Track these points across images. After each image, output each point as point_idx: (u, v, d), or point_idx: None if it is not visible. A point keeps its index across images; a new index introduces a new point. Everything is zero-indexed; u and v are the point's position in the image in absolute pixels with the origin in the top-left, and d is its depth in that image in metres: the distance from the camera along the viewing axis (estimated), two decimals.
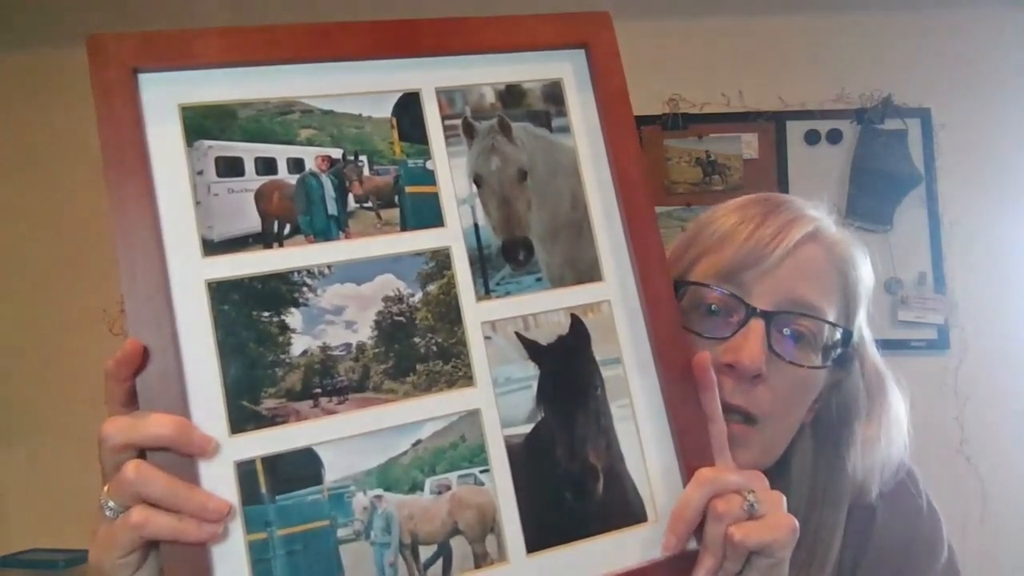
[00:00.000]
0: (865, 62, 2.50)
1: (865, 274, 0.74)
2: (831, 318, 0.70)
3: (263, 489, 0.50)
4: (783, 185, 2.45)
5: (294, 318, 0.53)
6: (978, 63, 2.52)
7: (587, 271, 0.61)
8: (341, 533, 0.51)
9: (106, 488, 0.49)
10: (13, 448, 2.51)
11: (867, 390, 0.76)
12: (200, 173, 0.53)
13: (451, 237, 0.58)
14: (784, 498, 0.58)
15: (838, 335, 0.71)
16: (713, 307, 0.69)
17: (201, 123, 0.53)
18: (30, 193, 2.61)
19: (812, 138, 2.50)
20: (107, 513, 0.48)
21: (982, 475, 2.37)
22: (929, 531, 0.77)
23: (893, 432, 0.75)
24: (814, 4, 2.55)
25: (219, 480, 0.49)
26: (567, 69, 0.63)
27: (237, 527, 0.49)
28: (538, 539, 0.55)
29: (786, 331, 0.69)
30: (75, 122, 2.57)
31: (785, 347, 0.68)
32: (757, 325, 0.66)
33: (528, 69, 0.63)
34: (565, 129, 0.63)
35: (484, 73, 0.61)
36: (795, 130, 2.50)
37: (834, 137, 2.50)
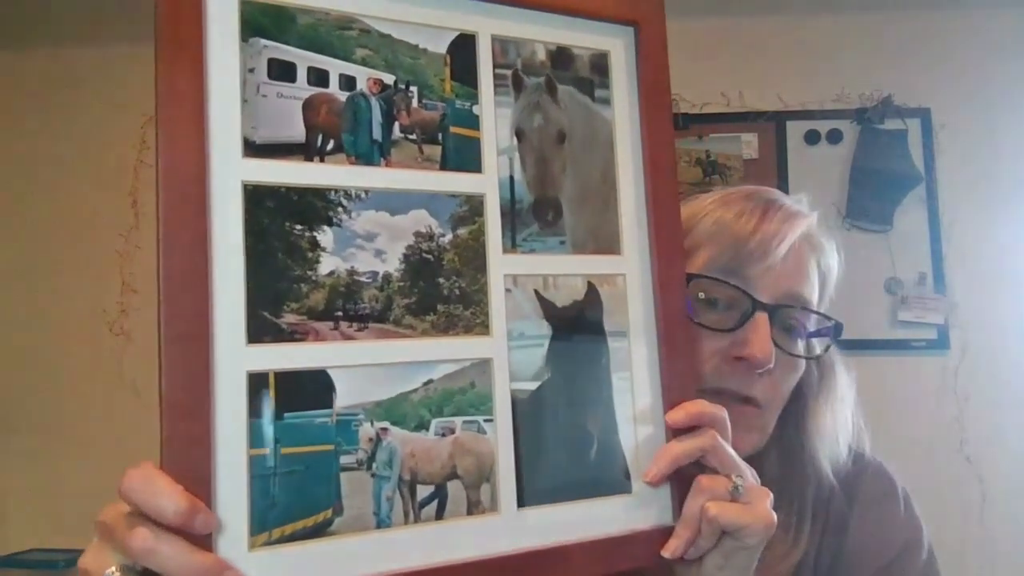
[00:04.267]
0: (865, 62, 2.47)
1: (834, 264, 0.78)
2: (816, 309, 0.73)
3: (272, 405, 0.48)
4: (783, 185, 2.41)
5: (325, 236, 0.51)
6: (978, 64, 2.48)
7: (607, 243, 0.62)
8: (344, 460, 0.50)
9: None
10: (13, 448, 2.45)
11: (818, 370, 0.78)
12: (251, 71, 0.50)
13: (487, 185, 0.57)
14: (771, 495, 0.59)
15: (826, 326, 0.74)
16: (714, 299, 0.71)
17: (259, 20, 0.51)
18: (30, 193, 2.53)
19: (812, 138, 2.48)
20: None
21: (982, 475, 2.33)
22: (907, 533, 0.76)
23: (838, 408, 0.77)
24: (814, 4, 2.52)
25: (230, 389, 0.47)
26: (617, 44, 0.64)
27: (241, 439, 0.47)
28: (529, 494, 0.55)
29: (784, 324, 0.72)
30: (75, 123, 2.51)
31: (784, 339, 0.71)
32: (763, 319, 0.69)
33: (581, 36, 0.63)
34: (606, 101, 0.63)
35: (539, 31, 0.61)
36: (795, 130, 2.48)
37: (834, 137, 2.48)
